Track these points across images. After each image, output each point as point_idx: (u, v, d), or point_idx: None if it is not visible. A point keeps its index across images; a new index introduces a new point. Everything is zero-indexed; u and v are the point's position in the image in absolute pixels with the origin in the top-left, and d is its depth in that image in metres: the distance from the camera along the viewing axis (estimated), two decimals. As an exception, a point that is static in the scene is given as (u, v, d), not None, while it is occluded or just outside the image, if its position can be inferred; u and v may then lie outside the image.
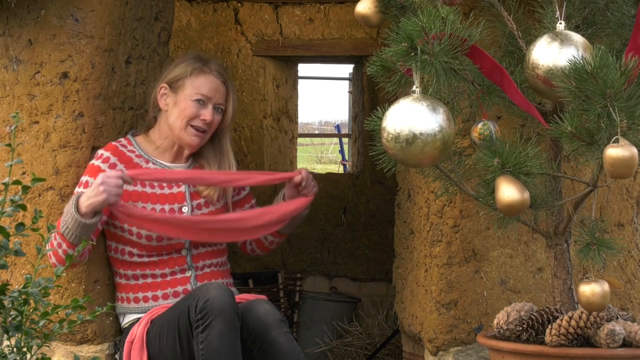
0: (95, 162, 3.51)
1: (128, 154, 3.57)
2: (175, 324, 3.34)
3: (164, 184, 3.57)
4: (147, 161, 3.59)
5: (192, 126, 3.55)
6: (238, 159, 3.87)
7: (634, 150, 2.61)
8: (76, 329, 3.50)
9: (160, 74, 3.70)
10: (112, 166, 3.50)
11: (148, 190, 3.55)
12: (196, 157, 3.68)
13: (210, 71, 3.58)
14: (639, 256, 3.70)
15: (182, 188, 3.60)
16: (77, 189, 3.49)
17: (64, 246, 3.35)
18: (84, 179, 3.50)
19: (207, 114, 3.54)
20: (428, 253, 3.65)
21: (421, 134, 2.81)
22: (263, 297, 3.56)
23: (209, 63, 3.60)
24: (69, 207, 3.33)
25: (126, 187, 3.50)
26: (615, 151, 2.60)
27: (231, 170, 3.63)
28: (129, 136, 3.64)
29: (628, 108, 2.61)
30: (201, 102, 3.54)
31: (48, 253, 3.40)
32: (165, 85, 3.58)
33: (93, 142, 3.58)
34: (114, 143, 3.57)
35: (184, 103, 3.54)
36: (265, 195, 5.79)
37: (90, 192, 3.32)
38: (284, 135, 6.08)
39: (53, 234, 3.34)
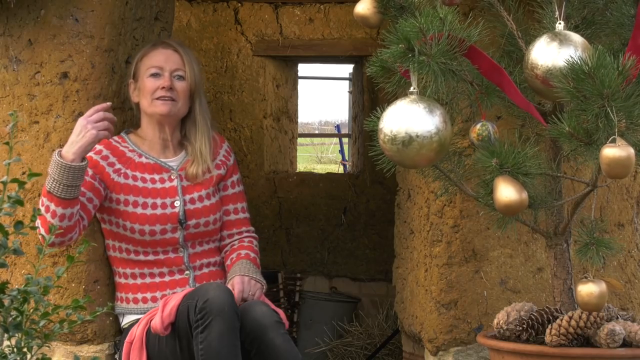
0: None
1: (121, 148, 3.59)
2: (174, 324, 3.34)
3: (157, 179, 3.58)
4: (140, 155, 3.61)
5: (156, 99, 3.58)
6: (238, 159, 3.86)
7: (631, 150, 2.60)
8: (76, 329, 3.50)
9: None
10: (105, 158, 3.53)
11: (140, 184, 3.56)
12: (184, 144, 3.69)
13: (159, 45, 3.65)
14: (639, 256, 3.70)
15: (175, 182, 3.61)
16: None
17: (53, 206, 3.32)
18: None
19: (164, 81, 3.58)
20: (428, 253, 3.65)
21: (417, 135, 2.81)
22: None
23: (158, 41, 3.69)
24: (52, 160, 3.34)
25: (118, 179, 3.52)
26: (612, 151, 2.60)
27: (206, 147, 3.64)
28: (122, 134, 3.66)
29: (626, 108, 2.61)
30: (157, 74, 3.58)
31: (38, 228, 3.35)
32: (131, 80, 3.64)
33: (93, 142, 3.59)
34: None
35: (143, 82, 3.59)
36: (264, 195, 5.80)
37: (75, 137, 3.35)
38: (284, 135, 6.07)
39: (41, 201, 3.36)
